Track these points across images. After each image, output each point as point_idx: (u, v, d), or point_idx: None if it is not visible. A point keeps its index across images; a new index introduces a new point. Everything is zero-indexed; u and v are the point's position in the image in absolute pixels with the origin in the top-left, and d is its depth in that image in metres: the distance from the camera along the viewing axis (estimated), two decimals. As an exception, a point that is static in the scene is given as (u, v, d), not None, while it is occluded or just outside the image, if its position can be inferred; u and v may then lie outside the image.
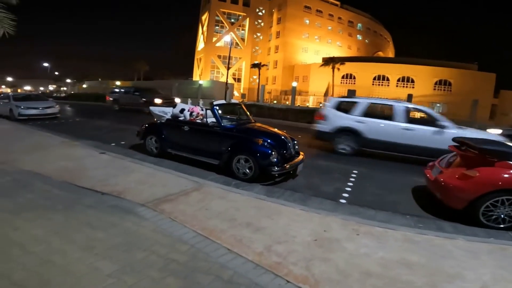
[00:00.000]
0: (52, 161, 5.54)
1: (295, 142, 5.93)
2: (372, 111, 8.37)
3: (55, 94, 39.51)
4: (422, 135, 7.38)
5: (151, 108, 7.18)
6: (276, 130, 6.03)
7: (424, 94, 40.41)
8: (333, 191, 5.17)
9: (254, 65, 48.05)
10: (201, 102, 22.85)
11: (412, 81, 45.08)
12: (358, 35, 64.80)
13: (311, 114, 18.25)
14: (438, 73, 44.16)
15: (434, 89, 44.39)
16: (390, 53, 72.84)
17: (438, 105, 43.17)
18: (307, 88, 47.56)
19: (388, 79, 46.11)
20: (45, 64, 67.66)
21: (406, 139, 7.49)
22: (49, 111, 13.50)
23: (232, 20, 59.67)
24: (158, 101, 17.10)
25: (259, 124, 6.32)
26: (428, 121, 7.66)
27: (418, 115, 9.47)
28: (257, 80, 48.24)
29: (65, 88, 64.67)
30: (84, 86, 56.30)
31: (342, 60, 41.67)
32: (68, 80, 72.37)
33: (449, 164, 4.66)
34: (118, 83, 51.04)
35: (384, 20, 72.89)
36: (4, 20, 8.16)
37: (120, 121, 13.95)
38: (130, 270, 2.36)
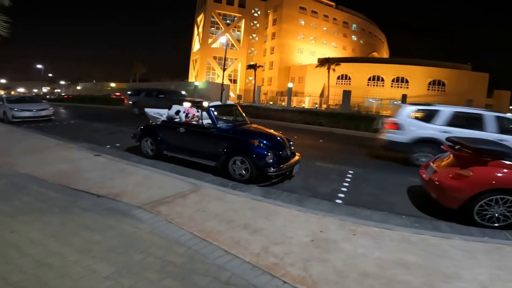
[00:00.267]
0: (47, 163, 5.50)
1: (291, 142, 5.95)
2: (458, 120, 7.53)
3: (48, 96, 39.02)
4: None
5: (146, 109, 7.15)
6: (272, 131, 6.04)
7: (419, 94, 40.75)
8: (330, 191, 5.19)
9: (250, 66, 48.15)
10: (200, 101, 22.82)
11: (407, 81, 45.46)
12: (353, 36, 65.21)
13: (308, 115, 18.37)
14: (432, 73, 44.60)
15: (428, 89, 44.80)
16: (385, 54, 73.39)
17: (433, 105, 43.48)
18: (303, 89, 47.78)
19: (383, 80, 46.44)
20: (39, 66, 67.14)
21: None
22: (43, 113, 13.41)
23: (228, 21, 59.73)
24: (187, 104, 16.52)
25: (255, 125, 6.33)
26: None
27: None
28: (253, 81, 48.33)
29: (59, 90, 64.15)
30: (79, 88, 55.99)
31: (338, 61, 41.90)
32: (62, 82, 71.86)
33: (443, 163, 4.71)
34: (113, 84, 50.88)
35: (378, 21, 73.23)
36: (-3, 21, 8.07)
37: (115, 123, 13.89)
38: (127, 272, 2.35)
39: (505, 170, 3.85)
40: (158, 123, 6.58)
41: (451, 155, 4.65)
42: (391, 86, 45.65)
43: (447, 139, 4.97)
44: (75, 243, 2.76)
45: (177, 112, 6.50)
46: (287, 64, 55.58)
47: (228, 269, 2.49)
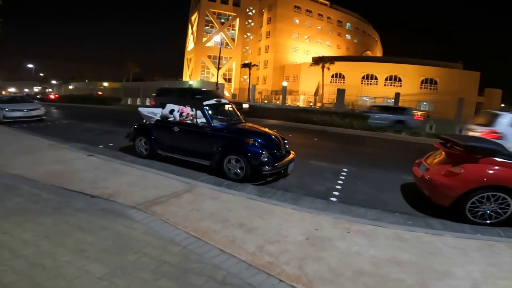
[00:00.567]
0: (40, 164, 5.43)
1: (286, 141, 5.96)
2: None
3: (38, 96, 38.35)
4: None
5: (140, 109, 7.10)
6: (266, 129, 6.05)
7: (411, 92, 41.16)
8: (324, 190, 5.22)
9: (244, 65, 48.10)
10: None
11: (400, 80, 45.86)
12: (347, 35, 65.52)
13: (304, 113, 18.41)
14: (424, 72, 45.07)
15: (421, 87, 45.28)
16: (378, 53, 73.88)
17: (425, 103, 44.04)
18: (297, 88, 47.86)
19: (376, 78, 46.78)
20: (30, 66, 66.20)
21: None
22: (34, 113, 13.23)
23: (222, 20, 59.55)
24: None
25: (249, 124, 6.33)
26: None
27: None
28: (248, 80, 48.28)
29: (50, 90, 63.29)
30: (71, 87, 55.31)
31: (332, 59, 42.09)
32: (54, 82, 70.94)
33: (436, 161, 4.76)
34: (105, 84, 50.37)
35: (372, 20, 73.82)
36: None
37: (107, 122, 13.77)
38: (121, 273, 2.34)
39: (496, 167, 3.90)
40: (152, 122, 6.54)
41: (443, 153, 4.70)
42: (385, 85, 46.03)
43: (439, 136, 5.02)
44: (68, 244, 2.73)
45: (171, 111, 6.47)
46: (282, 63, 55.65)
47: (223, 268, 2.49)
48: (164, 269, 2.42)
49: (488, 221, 3.92)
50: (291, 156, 5.75)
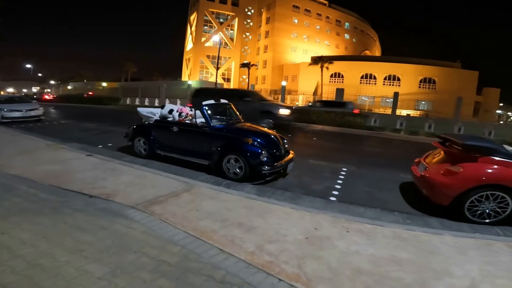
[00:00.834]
0: (38, 164, 5.41)
1: (285, 141, 5.96)
2: None
3: (35, 96, 38.17)
4: None
5: (139, 109, 7.09)
6: (265, 129, 6.04)
7: (410, 92, 41.19)
8: (324, 189, 5.22)
9: (243, 65, 48.07)
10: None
11: (398, 79, 45.89)
12: (345, 34, 65.52)
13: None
14: (423, 71, 45.11)
15: (420, 87, 45.30)
16: (377, 52, 73.94)
17: (424, 102, 44.11)
18: (296, 87, 47.82)
19: (375, 78, 46.79)
20: (28, 66, 66.01)
21: None
22: (33, 113, 13.19)
23: (221, 20, 59.49)
24: (285, 111, 12.37)
25: (248, 124, 6.33)
26: None
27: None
28: (247, 80, 48.26)
29: (49, 90, 63.11)
30: (69, 87, 55.12)
31: (331, 59, 42.05)
32: (52, 82, 70.75)
33: (435, 160, 4.76)
34: (104, 84, 50.26)
35: (371, 20, 73.75)
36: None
37: (105, 122, 13.74)
38: (120, 273, 2.33)
39: (495, 166, 3.91)
40: (151, 122, 6.53)
41: (442, 152, 4.71)
42: (383, 84, 46.05)
43: (438, 135, 5.02)
44: (67, 243, 2.72)
45: (171, 111, 6.46)
46: (281, 63, 55.62)
47: (223, 268, 2.49)
48: (163, 269, 2.42)
49: (487, 220, 3.93)
50: (291, 156, 5.75)
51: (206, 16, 58.18)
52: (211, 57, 57.45)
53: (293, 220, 3.54)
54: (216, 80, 31.33)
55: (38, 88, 75.11)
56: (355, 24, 67.40)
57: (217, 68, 34.57)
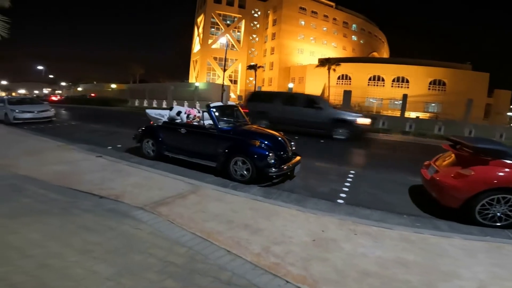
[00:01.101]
0: (48, 165, 5.50)
1: (292, 143, 5.95)
2: None
3: (42, 98, 38.80)
4: None
5: (147, 110, 7.16)
6: (273, 131, 6.04)
7: (419, 94, 40.68)
8: (331, 191, 5.19)
9: (250, 67, 48.12)
10: (197, 104, 22.83)
11: (407, 81, 45.38)
12: (353, 36, 65.17)
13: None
14: (432, 73, 44.52)
15: (429, 89, 44.71)
16: (385, 54, 73.33)
17: (433, 104, 43.53)
18: (303, 89, 47.61)
19: (383, 80, 46.38)
20: (40, 67, 67.21)
21: None
22: (44, 114, 13.44)
23: (228, 22, 59.81)
24: (365, 120, 11.20)
25: (256, 126, 6.34)
26: None
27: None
28: (254, 82, 48.30)
29: (60, 91, 64.22)
30: (80, 89, 56.03)
31: (338, 61, 41.83)
32: (63, 83, 71.93)
33: (445, 163, 4.70)
34: (113, 85, 50.89)
35: (378, 21, 73.41)
36: (-1, 22, 8.08)
37: (114, 124, 13.91)
38: (128, 273, 2.35)
39: (507, 170, 3.84)
40: (159, 124, 6.59)
41: (452, 155, 4.64)
42: (392, 86, 45.58)
43: (448, 138, 4.96)
44: (75, 244, 2.76)
45: (179, 113, 6.51)
46: (287, 65, 55.58)
47: (229, 269, 2.49)
48: (170, 270, 2.43)
49: (498, 224, 3.86)
50: (298, 158, 5.73)
51: (213, 18, 58.58)
52: (218, 59, 57.75)
53: (299, 222, 3.53)
54: (223, 82, 31.45)
55: (50, 89, 76.39)
56: (363, 26, 67.02)
57: (224, 70, 34.76)
